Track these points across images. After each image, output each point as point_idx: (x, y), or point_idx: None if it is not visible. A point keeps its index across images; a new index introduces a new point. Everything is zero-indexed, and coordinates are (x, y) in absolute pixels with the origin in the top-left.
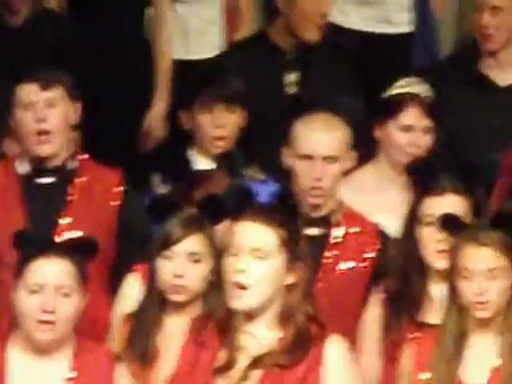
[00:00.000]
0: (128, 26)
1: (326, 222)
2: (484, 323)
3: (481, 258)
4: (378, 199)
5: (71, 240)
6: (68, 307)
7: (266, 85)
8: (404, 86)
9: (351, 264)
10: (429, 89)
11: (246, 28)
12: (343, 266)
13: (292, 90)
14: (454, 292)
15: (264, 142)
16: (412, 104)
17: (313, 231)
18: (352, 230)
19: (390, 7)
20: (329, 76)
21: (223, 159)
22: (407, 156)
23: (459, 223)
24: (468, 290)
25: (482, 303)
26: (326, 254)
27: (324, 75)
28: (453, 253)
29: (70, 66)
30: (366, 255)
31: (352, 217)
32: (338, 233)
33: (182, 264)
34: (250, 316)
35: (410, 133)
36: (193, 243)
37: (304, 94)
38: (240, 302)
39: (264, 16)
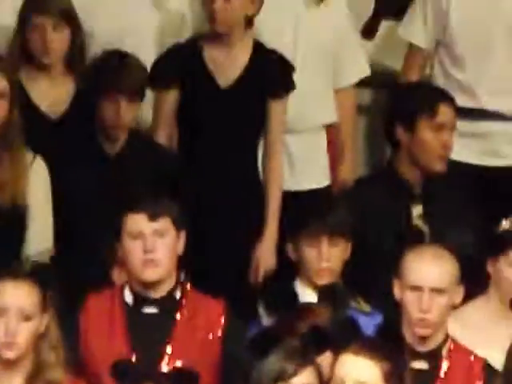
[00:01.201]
0: (240, 154)
1: (433, 355)
2: None
3: None
4: (487, 334)
5: (170, 372)
6: None
7: (392, 217)
8: None
9: None
10: None
11: (349, 165)
12: None
13: (417, 222)
14: None
15: (379, 274)
16: None
17: (420, 365)
18: (459, 365)
19: (498, 140)
20: (450, 210)
21: (327, 291)
22: None
23: None
24: None
25: None
26: None
27: (446, 209)
28: None
29: (175, 195)
30: None
31: (459, 351)
32: (445, 367)
33: None
34: None
35: None
36: (307, 376)
37: (427, 228)
38: None
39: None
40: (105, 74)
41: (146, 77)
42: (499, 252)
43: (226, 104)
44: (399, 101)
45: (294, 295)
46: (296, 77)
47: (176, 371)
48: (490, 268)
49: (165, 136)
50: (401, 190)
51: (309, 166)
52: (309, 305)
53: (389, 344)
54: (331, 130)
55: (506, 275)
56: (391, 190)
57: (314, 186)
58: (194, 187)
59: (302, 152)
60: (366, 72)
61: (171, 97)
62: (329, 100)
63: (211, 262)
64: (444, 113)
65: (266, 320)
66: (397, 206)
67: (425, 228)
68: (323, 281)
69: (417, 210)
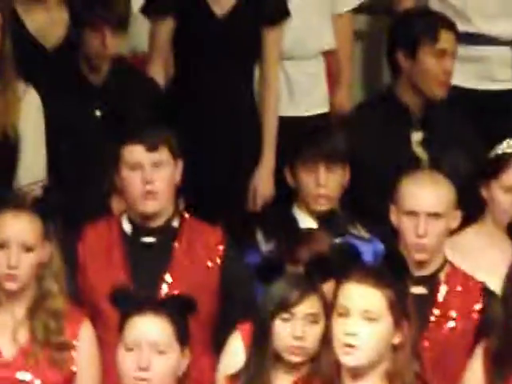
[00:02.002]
0: (236, 83)
1: (431, 280)
2: None
3: None
4: (483, 259)
5: (168, 298)
6: (163, 364)
7: (391, 144)
8: (507, 146)
9: (456, 322)
10: None
11: (346, 90)
12: (448, 324)
13: (416, 149)
14: None
15: (381, 200)
16: None
17: (418, 290)
18: (457, 289)
19: (493, 64)
20: (450, 136)
21: (326, 218)
22: (510, 217)
23: None
24: None
25: None
26: (432, 312)
27: (446, 135)
28: None
29: (170, 124)
30: (471, 313)
31: (457, 275)
32: (443, 291)
33: (302, 326)
34: (357, 375)
35: None
36: (311, 305)
37: (426, 155)
38: (350, 358)
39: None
40: (90, 5)
41: (130, 7)
42: (492, 176)
43: (221, 32)
44: (400, 27)
45: (293, 221)
46: (293, 4)
47: (174, 297)
48: (484, 193)
49: (161, 65)
50: (401, 116)
51: (308, 92)
52: (308, 230)
53: (392, 271)
54: (329, 56)
55: (498, 200)
56: (391, 115)
57: (313, 112)
58: (189, 115)
59: (300, 78)
60: None
61: (167, 26)
62: (327, 26)
63: (208, 191)
64: (445, 39)
65: (264, 246)
66: (396, 132)
67: (424, 155)
68: (321, 207)
69: (417, 136)
